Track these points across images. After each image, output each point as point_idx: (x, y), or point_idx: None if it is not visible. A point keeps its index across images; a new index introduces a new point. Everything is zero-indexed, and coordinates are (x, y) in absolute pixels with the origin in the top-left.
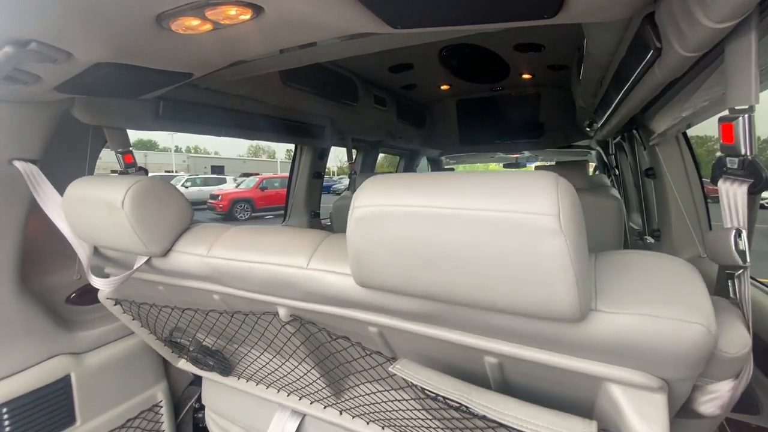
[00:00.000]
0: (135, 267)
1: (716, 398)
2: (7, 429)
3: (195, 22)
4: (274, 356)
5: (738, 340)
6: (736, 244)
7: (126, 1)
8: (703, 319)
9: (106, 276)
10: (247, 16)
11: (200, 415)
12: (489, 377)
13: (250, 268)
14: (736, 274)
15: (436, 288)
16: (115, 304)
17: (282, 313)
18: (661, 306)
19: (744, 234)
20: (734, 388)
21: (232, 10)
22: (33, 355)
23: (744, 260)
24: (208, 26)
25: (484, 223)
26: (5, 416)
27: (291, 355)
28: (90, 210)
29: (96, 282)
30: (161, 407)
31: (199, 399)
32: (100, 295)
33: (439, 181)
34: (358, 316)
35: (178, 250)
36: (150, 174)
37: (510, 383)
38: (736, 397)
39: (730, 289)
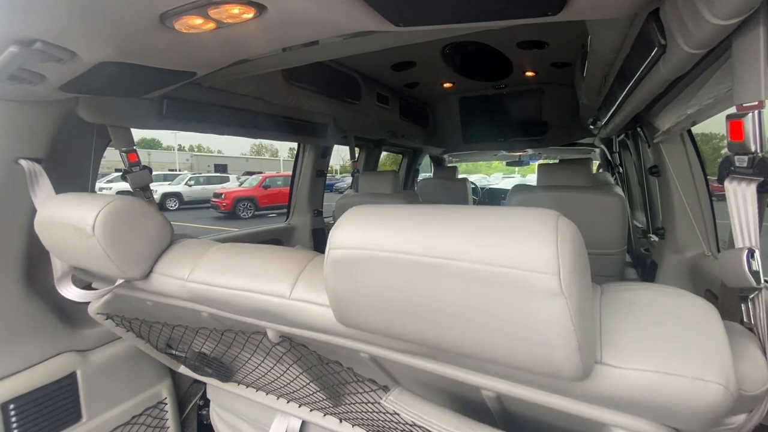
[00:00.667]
0: (113, 286)
1: (730, 430)
2: (14, 425)
3: (198, 20)
4: (271, 368)
5: (757, 376)
6: (749, 264)
7: (130, 1)
8: (722, 377)
9: (91, 288)
10: (251, 15)
11: (204, 412)
12: (489, 407)
13: (232, 295)
14: (750, 296)
15: (423, 336)
16: (106, 319)
17: (271, 335)
18: (675, 359)
19: (757, 253)
20: (748, 420)
21: (236, 9)
22: (39, 353)
23: (758, 281)
24: (211, 25)
25: (473, 278)
26: (12, 413)
27: (286, 370)
28: (62, 234)
29: (70, 293)
30: (166, 404)
31: (203, 396)
32: (90, 310)
33: (424, 219)
34: (346, 344)
35: (159, 272)
36: (154, 173)
37: (511, 413)
38: (750, 427)
39: (744, 313)
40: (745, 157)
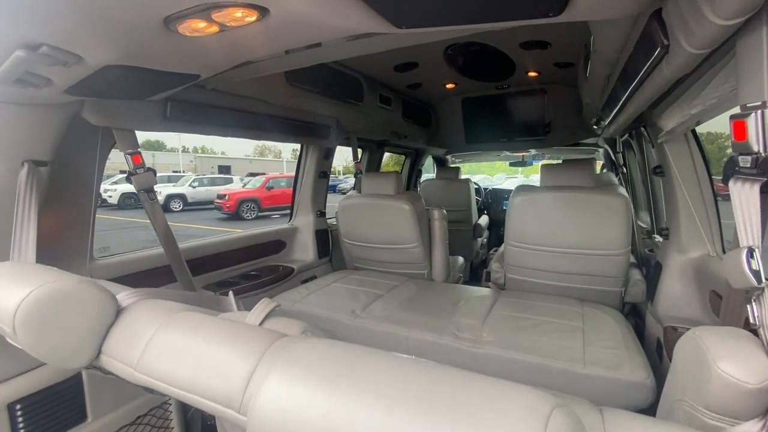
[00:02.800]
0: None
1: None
2: (21, 426)
3: (202, 24)
4: None
5: (760, 370)
6: (749, 263)
7: (134, 5)
8: None
9: None
10: (253, 18)
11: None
12: None
13: (180, 395)
14: (753, 297)
15: None
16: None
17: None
18: None
19: (757, 252)
20: (765, 427)
21: (239, 12)
22: None
23: (759, 280)
24: (214, 28)
25: None
26: (18, 413)
27: None
28: None
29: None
30: (170, 404)
31: None
32: None
33: (376, 382)
34: None
35: (108, 354)
36: (158, 174)
37: None
38: None
39: (750, 313)
40: (749, 157)
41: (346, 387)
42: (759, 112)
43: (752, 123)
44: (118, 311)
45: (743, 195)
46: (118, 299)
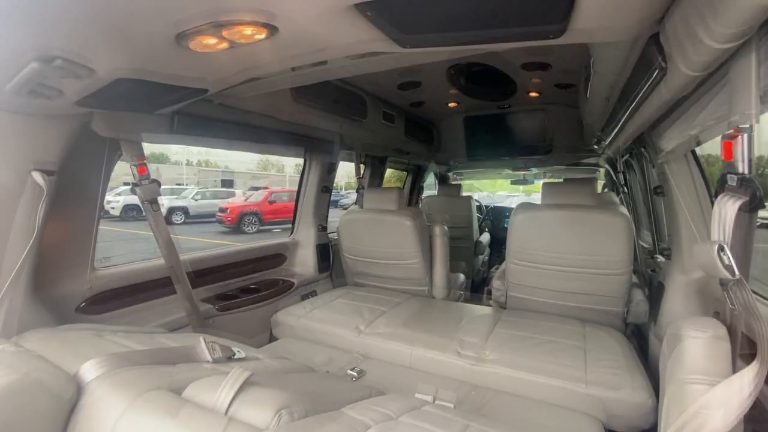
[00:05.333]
0: None
1: None
2: None
3: (212, 40)
4: None
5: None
6: (721, 259)
7: (148, 21)
8: None
9: None
10: (263, 36)
11: None
12: None
13: None
14: (730, 285)
15: None
16: None
17: None
18: None
19: (726, 249)
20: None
21: (248, 30)
22: None
23: (732, 273)
24: (224, 45)
25: None
26: None
27: None
28: None
29: None
30: None
31: None
32: None
33: None
34: None
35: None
36: (162, 186)
37: None
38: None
39: (727, 299)
40: (736, 177)
41: None
42: (746, 134)
43: (738, 145)
44: (81, 388)
45: (724, 210)
46: (81, 373)
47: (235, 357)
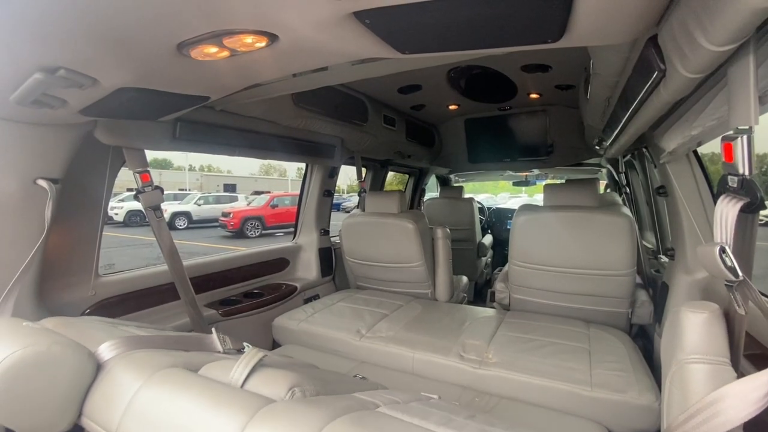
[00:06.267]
0: None
1: None
2: None
3: (213, 49)
4: None
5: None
6: (723, 261)
7: (150, 31)
8: None
9: None
10: (263, 44)
11: None
12: None
13: None
14: (735, 286)
15: None
16: None
17: None
18: None
19: (729, 250)
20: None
21: (249, 38)
22: None
23: (735, 274)
24: (225, 53)
25: None
26: None
27: None
28: None
29: None
30: None
31: None
32: None
33: None
34: None
35: (88, 416)
36: (165, 192)
37: None
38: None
39: (733, 300)
40: (736, 178)
41: None
42: (746, 136)
43: (739, 146)
44: (99, 366)
45: (725, 211)
46: (99, 353)
47: (244, 350)
